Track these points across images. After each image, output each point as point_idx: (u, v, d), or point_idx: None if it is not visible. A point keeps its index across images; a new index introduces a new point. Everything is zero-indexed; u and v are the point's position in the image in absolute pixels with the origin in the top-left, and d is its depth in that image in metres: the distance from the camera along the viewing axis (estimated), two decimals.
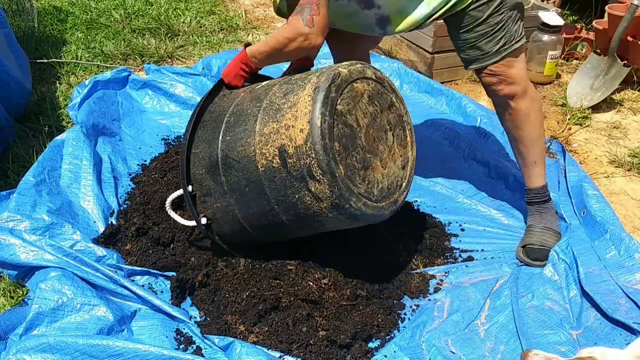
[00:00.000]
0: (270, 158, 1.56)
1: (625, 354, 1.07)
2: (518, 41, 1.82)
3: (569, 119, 2.90)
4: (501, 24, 1.78)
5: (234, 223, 1.73)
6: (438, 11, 1.79)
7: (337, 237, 1.83)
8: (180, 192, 1.79)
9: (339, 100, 1.55)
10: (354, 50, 2.17)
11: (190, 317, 1.67)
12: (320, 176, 1.50)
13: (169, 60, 3.59)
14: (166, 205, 1.81)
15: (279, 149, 1.54)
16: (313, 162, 1.49)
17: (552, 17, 3.21)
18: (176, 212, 2.03)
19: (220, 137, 1.68)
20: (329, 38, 2.10)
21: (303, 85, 1.58)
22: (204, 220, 1.73)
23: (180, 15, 4.29)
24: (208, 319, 1.67)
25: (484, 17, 1.76)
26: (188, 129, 1.75)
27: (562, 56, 3.51)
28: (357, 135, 1.59)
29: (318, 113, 1.50)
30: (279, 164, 1.55)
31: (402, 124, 1.77)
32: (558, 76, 3.44)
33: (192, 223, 1.75)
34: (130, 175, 2.28)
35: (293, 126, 1.52)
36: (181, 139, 2.58)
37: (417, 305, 1.76)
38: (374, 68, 1.71)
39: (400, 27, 1.87)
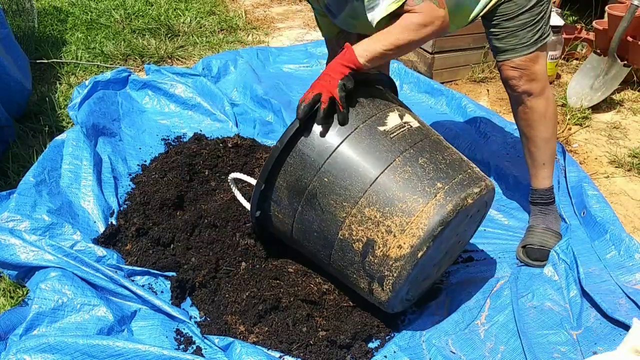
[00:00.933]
0: (354, 238, 1.49)
1: (620, 353, 1.04)
2: (549, 35, 1.85)
3: (569, 119, 2.90)
4: (541, 15, 1.80)
5: (281, 233, 1.71)
6: (491, 1, 1.77)
7: None
8: (250, 179, 1.76)
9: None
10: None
11: (190, 317, 1.67)
12: (388, 289, 1.49)
13: (169, 60, 3.59)
14: (229, 178, 1.80)
15: (368, 240, 1.47)
16: (390, 278, 1.47)
17: (552, 17, 3.20)
18: (176, 211, 2.03)
19: (319, 172, 1.51)
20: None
21: (428, 193, 1.45)
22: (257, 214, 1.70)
23: (180, 16, 4.29)
24: (208, 319, 1.67)
25: (529, 5, 1.77)
26: (291, 129, 1.51)
27: (562, 56, 3.51)
28: (437, 257, 1.59)
29: (425, 246, 1.43)
30: (359, 250, 1.49)
31: (471, 232, 1.77)
32: (558, 76, 3.44)
33: (248, 205, 1.74)
34: (130, 175, 2.28)
35: (394, 235, 1.44)
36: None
37: (418, 306, 1.76)
38: (488, 180, 1.58)
39: (453, 24, 1.80)
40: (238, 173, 1.80)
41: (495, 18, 1.82)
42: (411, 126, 1.59)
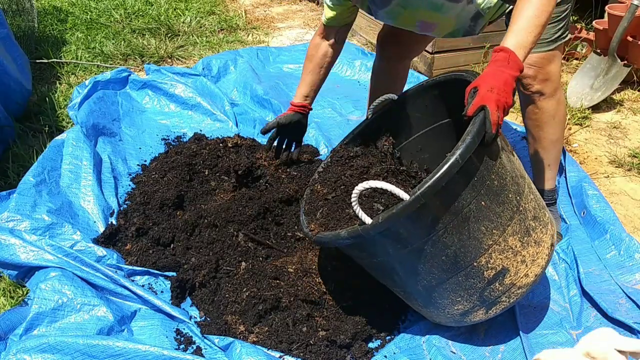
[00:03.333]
0: (489, 266, 1.39)
1: (574, 353, 1.04)
2: (568, 34, 1.80)
3: (569, 119, 2.90)
4: (566, 13, 1.76)
5: (377, 253, 1.43)
6: None
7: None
8: (399, 192, 1.26)
9: None
10: (404, 57, 2.08)
11: (190, 317, 1.67)
12: (492, 313, 1.50)
13: (169, 60, 3.59)
14: (353, 195, 1.29)
15: (502, 269, 1.40)
16: (504, 304, 1.48)
17: None
18: (176, 211, 2.03)
19: (480, 194, 1.33)
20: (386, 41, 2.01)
21: (545, 223, 1.47)
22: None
23: (180, 15, 4.29)
24: (208, 319, 1.67)
25: (558, 1, 1.69)
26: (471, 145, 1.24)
27: (562, 56, 3.51)
28: None
29: (542, 274, 1.48)
30: (487, 278, 1.41)
31: None
32: None
33: (369, 220, 1.29)
34: (130, 175, 2.28)
35: (527, 265, 1.43)
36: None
37: None
38: None
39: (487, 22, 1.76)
40: (380, 181, 1.29)
41: None
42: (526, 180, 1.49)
